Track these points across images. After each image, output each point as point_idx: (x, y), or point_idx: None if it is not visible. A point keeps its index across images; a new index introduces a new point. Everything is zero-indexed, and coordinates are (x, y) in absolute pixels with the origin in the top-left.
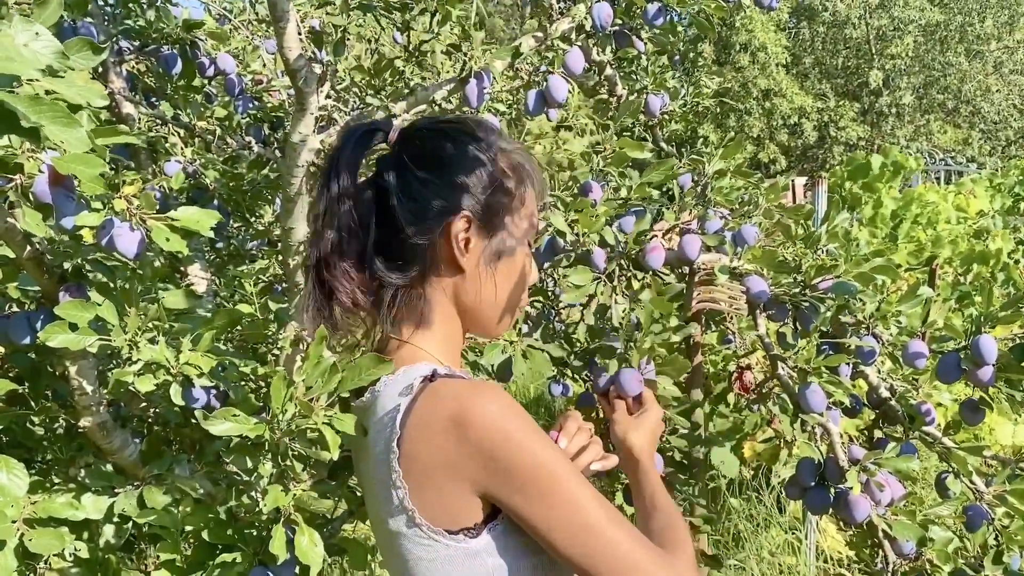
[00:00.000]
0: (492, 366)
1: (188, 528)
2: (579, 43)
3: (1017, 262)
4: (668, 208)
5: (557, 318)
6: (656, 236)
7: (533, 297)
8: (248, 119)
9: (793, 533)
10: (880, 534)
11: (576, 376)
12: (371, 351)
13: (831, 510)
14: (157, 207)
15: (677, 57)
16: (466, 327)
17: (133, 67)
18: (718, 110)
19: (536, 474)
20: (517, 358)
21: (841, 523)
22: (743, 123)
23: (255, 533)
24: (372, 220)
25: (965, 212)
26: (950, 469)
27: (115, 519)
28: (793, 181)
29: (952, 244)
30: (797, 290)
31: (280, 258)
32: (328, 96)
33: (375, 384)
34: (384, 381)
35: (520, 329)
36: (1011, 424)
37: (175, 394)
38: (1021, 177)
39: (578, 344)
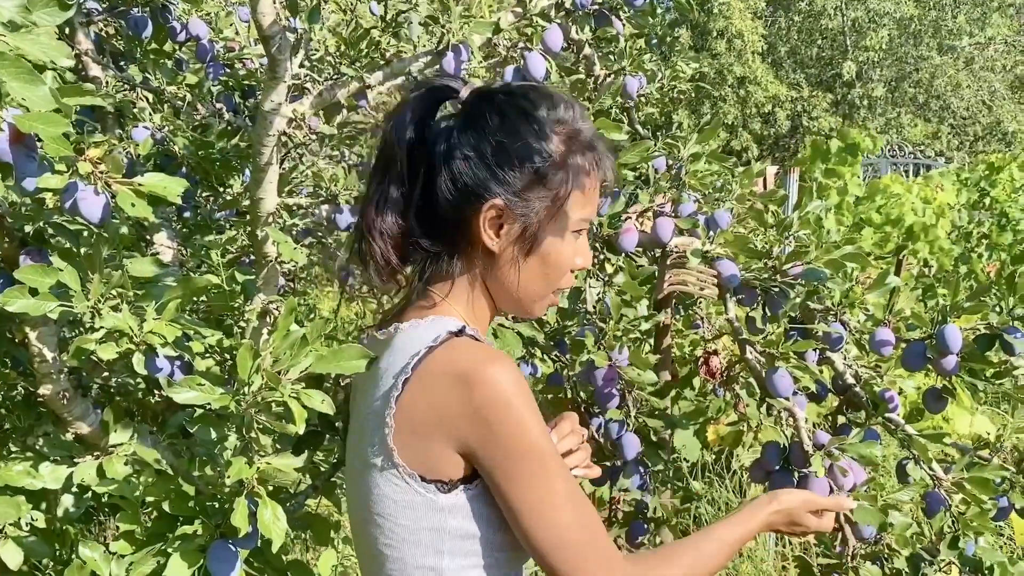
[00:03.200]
0: None
1: (149, 499)
2: (558, 21)
3: (980, 256)
4: (643, 190)
5: None
6: (630, 218)
7: None
8: (219, 86)
9: None
10: (841, 518)
11: (546, 356)
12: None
13: None
14: (124, 171)
15: (655, 40)
16: (498, 304)
17: (101, 29)
18: (693, 96)
19: (526, 455)
20: (487, 337)
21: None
22: (718, 110)
23: (217, 506)
24: (418, 182)
25: (931, 205)
26: (911, 456)
27: (74, 489)
28: (765, 169)
29: (922, 232)
30: (767, 275)
31: (248, 229)
32: (302, 65)
33: (400, 320)
34: (413, 322)
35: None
36: (968, 414)
37: (138, 363)
38: (986, 172)
39: (548, 325)
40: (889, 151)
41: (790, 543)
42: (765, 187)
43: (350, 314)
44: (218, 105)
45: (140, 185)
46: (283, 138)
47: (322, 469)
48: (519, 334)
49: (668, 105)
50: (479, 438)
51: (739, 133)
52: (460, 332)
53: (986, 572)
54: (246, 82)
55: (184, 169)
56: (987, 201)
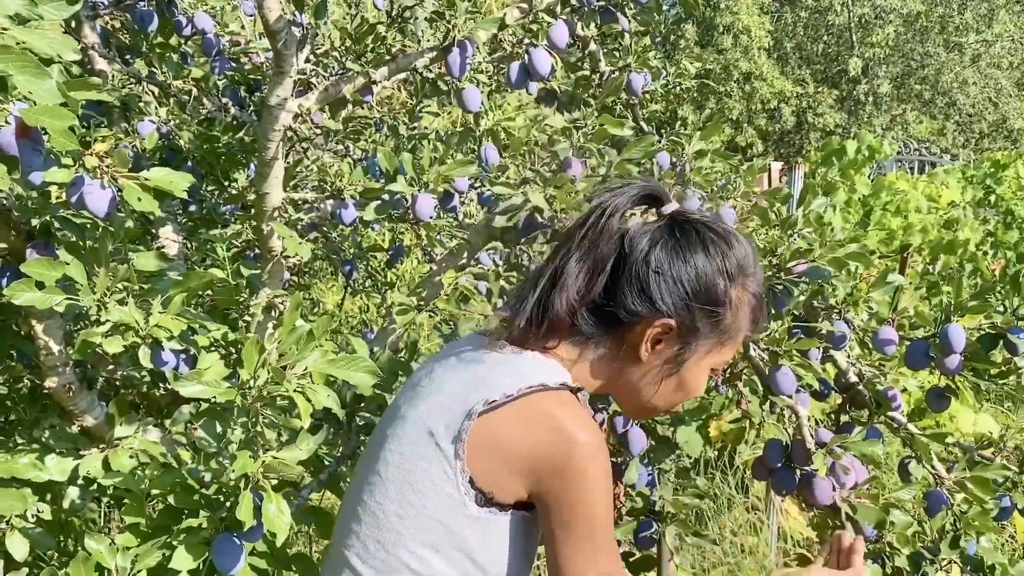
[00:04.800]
0: None
1: (154, 492)
2: (564, 17)
3: (985, 253)
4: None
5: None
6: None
7: (508, 273)
8: (225, 81)
9: (755, 513)
10: (843, 516)
11: None
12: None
13: (796, 491)
14: (130, 165)
15: (659, 38)
16: (615, 397)
17: (107, 23)
18: (698, 92)
19: (584, 520)
20: None
21: (803, 504)
22: (723, 105)
23: (222, 499)
24: (605, 268)
25: (937, 202)
26: (913, 454)
27: (79, 481)
28: (769, 165)
29: (923, 232)
30: (771, 273)
31: (254, 223)
32: (307, 60)
33: (523, 346)
34: (537, 356)
35: (495, 303)
36: (972, 412)
37: (143, 356)
38: (992, 169)
39: None
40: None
41: (792, 539)
42: (770, 184)
43: (354, 308)
44: (224, 99)
45: (146, 179)
46: (288, 133)
47: (326, 463)
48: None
49: (673, 101)
50: (555, 489)
51: (744, 129)
52: (575, 391)
53: (987, 572)
54: (252, 77)
55: (189, 163)
56: (992, 199)
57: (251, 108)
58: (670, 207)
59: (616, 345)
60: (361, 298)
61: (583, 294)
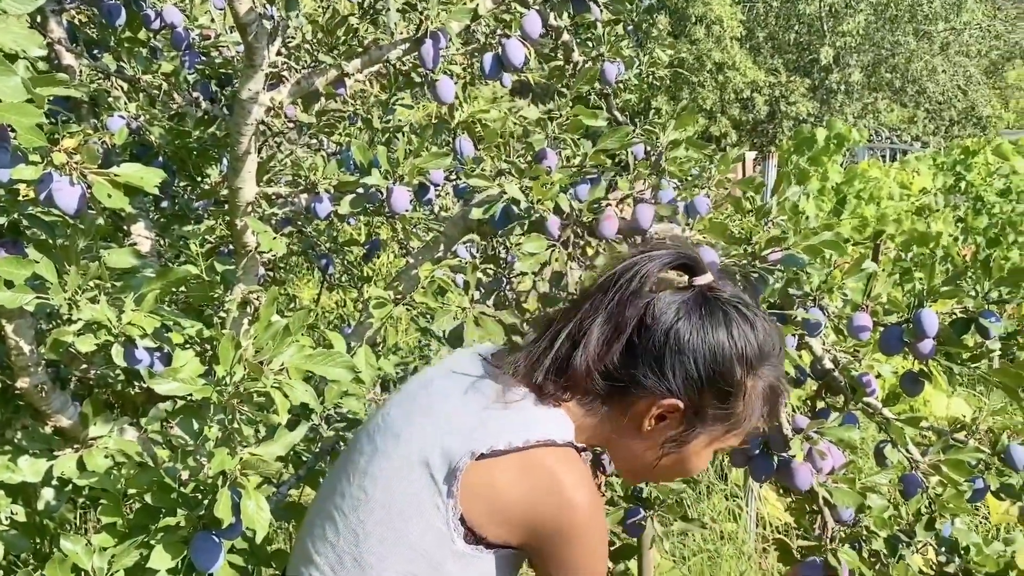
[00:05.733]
0: (443, 332)
1: (130, 491)
2: (536, 7)
3: (956, 239)
4: (622, 177)
5: (508, 286)
6: (610, 204)
7: (485, 264)
8: (195, 75)
9: (734, 500)
10: (820, 501)
11: None
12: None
13: (774, 478)
14: (99, 161)
15: (631, 27)
16: (612, 459)
17: (74, 17)
18: (671, 82)
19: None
20: (469, 324)
21: (781, 490)
22: (696, 95)
23: (200, 497)
24: (626, 333)
25: (908, 189)
26: (888, 439)
27: (54, 482)
28: (744, 155)
29: (896, 222)
30: (747, 261)
31: (227, 219)
32: (279, 53)
33: (528, 387)
34: (545, 408)
35: (472, 296)
36: (945, 397)
37: (117, 355)
38: (962, 156)
39: (528, 312)
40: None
41: (771, 526)
42: (744, 173)
43: (331, 303)
44: (194, 94)
45: (116, 175)
46: (261, 127)
47: (305, 459)
48: (500, 321)
49: (647, 91)
50: (553, 550)
51: (718, 119)
52: (580, 450)
53: (962, 552)
54: (223, 70)
55: (161, 158)
56: (963, 185)
57: (223, 102)
58: (703, 279)
59: (620, 412)
60: (338, 293)
61: (601, 356)
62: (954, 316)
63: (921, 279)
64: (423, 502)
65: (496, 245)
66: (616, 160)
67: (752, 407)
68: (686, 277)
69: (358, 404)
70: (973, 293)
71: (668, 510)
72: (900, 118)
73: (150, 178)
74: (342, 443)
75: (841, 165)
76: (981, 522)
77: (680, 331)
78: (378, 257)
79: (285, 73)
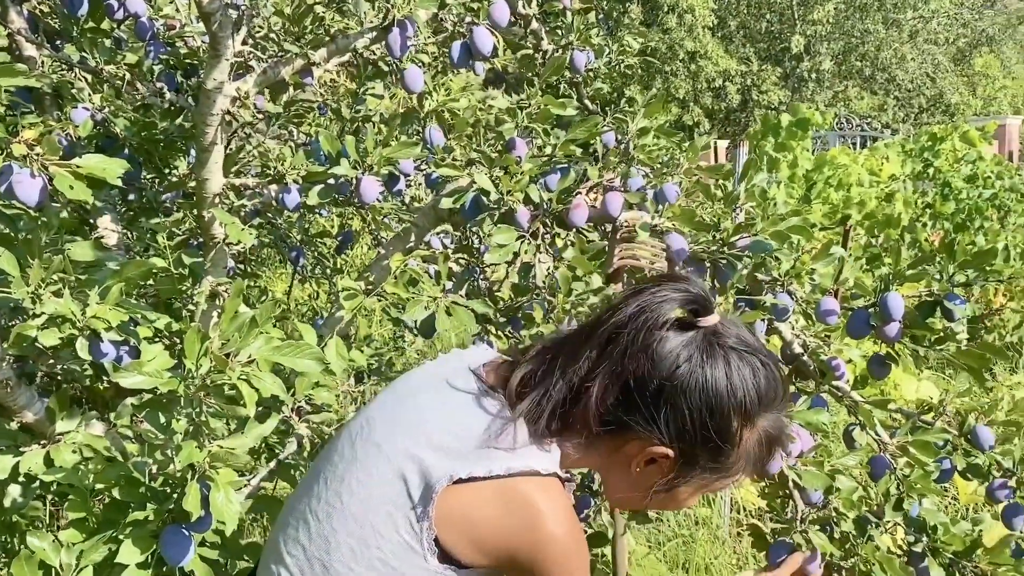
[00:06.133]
0: (415, 321)
1: (98, 487)
2: None
3: (924, 225)
4: (592, 166)
5: (482, 276)
6: (580, 194)
7: (457, 254)
8: (160, 65)
9: None
10: (790, 484)
11: (500, 333)
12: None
13: None
14: (61, 153)
15: (602, 16)
16: (604, 486)
17: (35, 7)
18: (644, 72)
19: None
20: (440, 314)
21: (754, 475)
22: (669, 85)
23: (169, 491)
24: (625, 379)
25: (877, 176)
26: (857, 422)
27: (21, 479)
28: (716, 143)
29: (860, 205)
30: (715, 248)
31: (195, 211)
32: (245, 43)
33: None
34: (535, 449)
35: (443, 285)
36: (915, 380)
37: (81, 348)
38: (929, 143)
39: (502, 301)
40: (837, 124)
41: (745, 510)
42: (716, 161)
43: (304, 296)
44: (159, 84)
45: (78, 167)
46: (227, 117)
47: (277, 451)
48: (472, 311)
49: (619, 80)
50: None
51: (690, 108)
52: (565, 480)
53: (930, 532)
54: (188, 61)
55: (126, 151)
56: (931, 171)
57: (189, 93)
58: (708, 320)
59: (612, 449)
60: (311, 286)
61: (600, 405)
62: (920, 299)
63: (889, 264)
64: (397, 520)
65: (469, 235)
66: (591, 150)
67: (747, 457)
68: (692, 316)
69: (329, 396)
70: (939, 277)
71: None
72: (870, 106)
73: (113, 169)
74: (317, 436)
75: (811, 152)
76: (951, 503)
77: (678, 381)
78: (351, 249)
79: (253, 63)
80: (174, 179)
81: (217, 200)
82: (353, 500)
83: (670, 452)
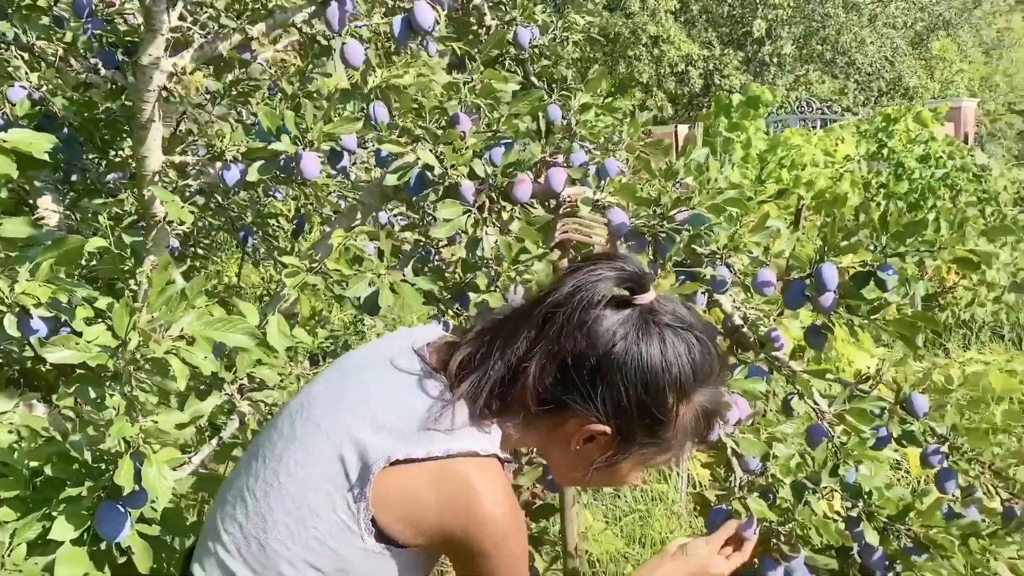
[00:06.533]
0: (358, 299)
1: (33, 464)
2: None
3: (879, 204)
4: (535, 142)
5: (438, 256)
6: (524, 169)
7: (407, 230)
8: (97, 43)
9: None
10: (728, 452)
11: (449, 311)
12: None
13: None
14: None
15: None
16: (549, 465)
17: None
18: (607, 56)
19: None
20: (384, 291)
21: (695, 448)
22: (633, 69)
23: (103, 467)
24: (563, 359)
25: (833, 157)
26: (796, 391)
27: None
28: (677, 128)
29: (808, 185)
30: (655, 222)
31: (136, 190)
32: (182, 18)
33: (424, 386)
34: (475, 431)
35: (387, 262)
36: (868, 355)
37: (9, 325)
38: (883, 124)
39: (452, 279)
40: (798, 107)
41: (701, 485)
42: (676, 148)
43: (257, 279)
44: (93, 60)
45: (3, 141)
46: (164, 93)
47: (221, 429)
48: (418, 289)
49: (583, 65)
50: (469, 560)
51: (654, 93)
52: (504, 462)
53: (865, 497)
54: (128, 39)
55: (66, 130)
56: (885, 152)
57: (129, 71)
58: (645, 297)
59: (551, 428)
60: (265, 269)
61: (538, 384)
62: (854, 270)
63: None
64: (335, 500)
65: (424, 214)
66: (547, 128)
67: (684, 431)
68: (628, 294)
69: (272, 373)
70: (872, 247)
71: None
72: (831, 89)
73: (40, 144)
74: (259, 415)
75: (767, 134)
76: (903, 476)
77: (613, 358)
78: (310, 232)
79: (191, 37)
80: (118, 159)
81: (157, 178)
82: (291, 479)
83: (607, 429)
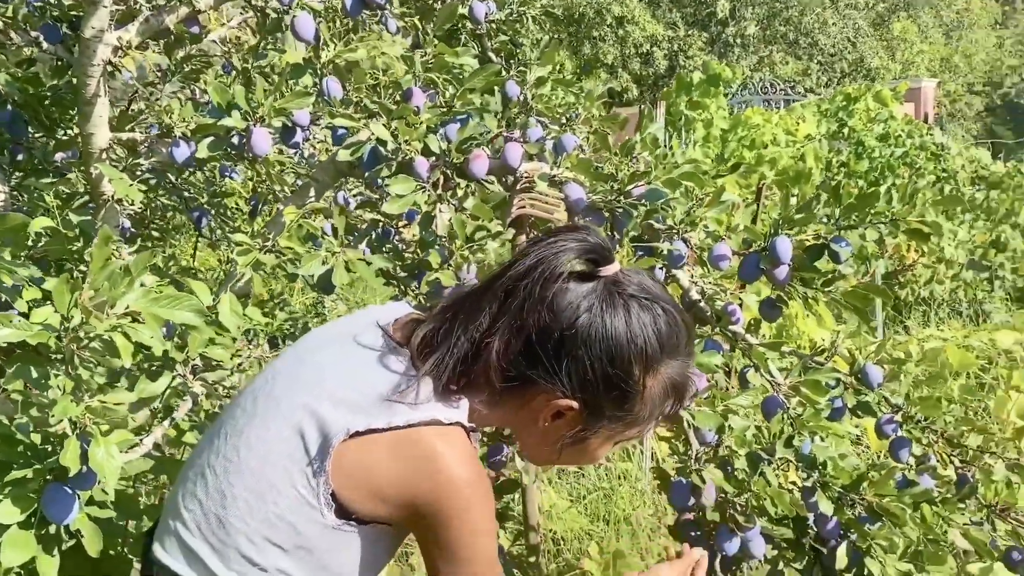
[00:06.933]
0: (312, 276)
1: None
2: None
3: (839, 183)
4: (491, 116)
5: (398, 236)
6: (480, 144)
7: (362, 208)
8: (39, 16)
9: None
10: (685, 425)
11: (405, 289)
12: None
13: None
14: None
15: None
16: (517, 440)
17: None
18: (571, 37)
19: (470, 556)
20: (339, 270)
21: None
22: (598, 51)
23: (50, 448)
24: (525, 334)
25: (794, 136)
26: (752, 364)
27: None
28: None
29: (771, 163)
30: (613, 197)
31: (84, 168)
32: None
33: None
34: (441, 406)
35: (342, 240)
36: (831, 333)
37: None
38: (844, 103)
39: (405, 260)
40: (761, 88)
41: (665, 461)
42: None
43: (214, 261)
44: (35, 35)
45: None
46: (110, 68)
47: (176, 416)
48: (375, 268)
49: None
50: (434, 528)
51: (619, 74)
52: (468, 431)
53: (820, 468)
54: (73, 13)
55: (10, 108)
56: (845, 131)
57: (72, 45)
58: (609, 269)
59: (518, 405)
60: (223, 251)
61: (501, 360)
62: (808, 243)
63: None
64: (294, 475)
65: (379, 192)
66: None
67: (652, 404)
68: (591, 267)
69: (225, 353)
70: (825, 220)
71: None
72: (795, 70)
73: None
74: (212, 396)
75: (729, 113)
76: (863, 451)
77: (577, 332)
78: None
79: (138, 8)
80: (65, 138)
81: (104, 156)
82: (251, 455)
83: (574, 404)
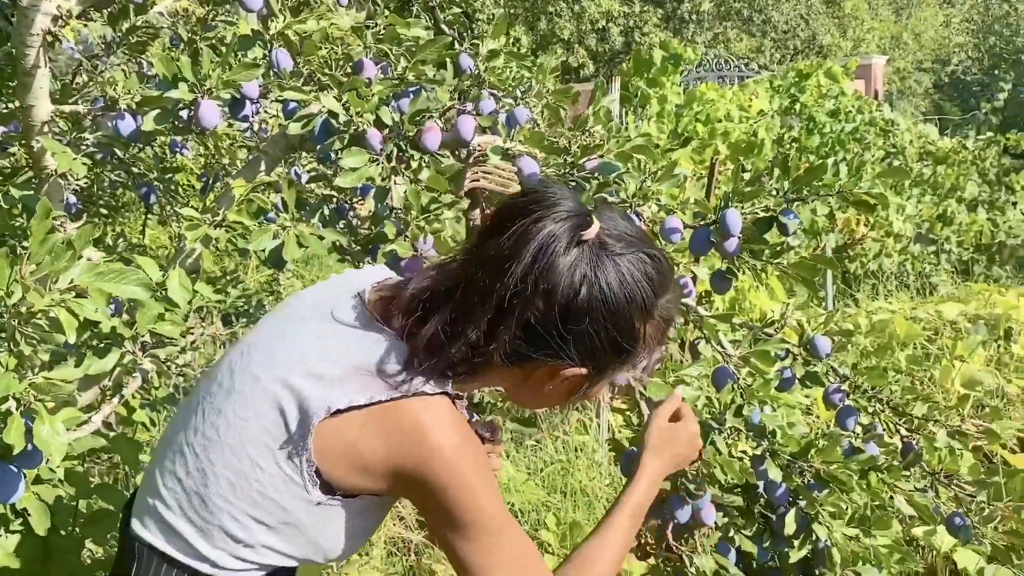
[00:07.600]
0: (263, 251)
1: None
2: None
3: (789, 156)
4: (442, 88)
5: (352, 211)
6: (432, 117)
7: (314, 181)
8: None
9: (585, 413)
10: (637, 395)
11: (359, 265)
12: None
13: None
14: None
15: None
16: (508, 394)
17: None
18: (528, 13)
19: (475, 517)
20: (290, 244)
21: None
22: (554, 26)
23: None
24: (522, 312)
25: (747, 112)
26: (703, 335)
27: None
28: (597, 83)
29: (724, 136)
30: (566, 170)
31: (25, 142)
32: None
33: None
34: (405, 359)
35: (293, 214)
36: (780, 305)
37: None
38: (796, 79)
39: (362, 233)
40: (716, 65)
41: (620, 432)
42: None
43: (165, 239)
44: None
45: None
46: (49, 38)
47: (125, 394)
48: (328, 242)
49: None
50: (429, 496)
51: (575, 50)
52: (454, 398)
53: (769, 437)
54: None
55: None
56: (797, 107)
57: (10, 13)
58: (590, 232)
59: (520, 377)
60: (173, 227)
61: (503, 350)
62: (757, 216)
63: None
64: (275, 453)
65: (332, 167)
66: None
67: (649, 346)
68: (574, 233)
69: (174, 329)
70: (774, 192)
71: (500, 413)
72: (749, 47)
73: None
74: (162, 373)
75: (684, 90)
76: (813, 420)
77: (577, 306)
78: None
79: None
80: (6, 111)
81: (47, 128)
82: (230, 432)
83: (582, 371)
